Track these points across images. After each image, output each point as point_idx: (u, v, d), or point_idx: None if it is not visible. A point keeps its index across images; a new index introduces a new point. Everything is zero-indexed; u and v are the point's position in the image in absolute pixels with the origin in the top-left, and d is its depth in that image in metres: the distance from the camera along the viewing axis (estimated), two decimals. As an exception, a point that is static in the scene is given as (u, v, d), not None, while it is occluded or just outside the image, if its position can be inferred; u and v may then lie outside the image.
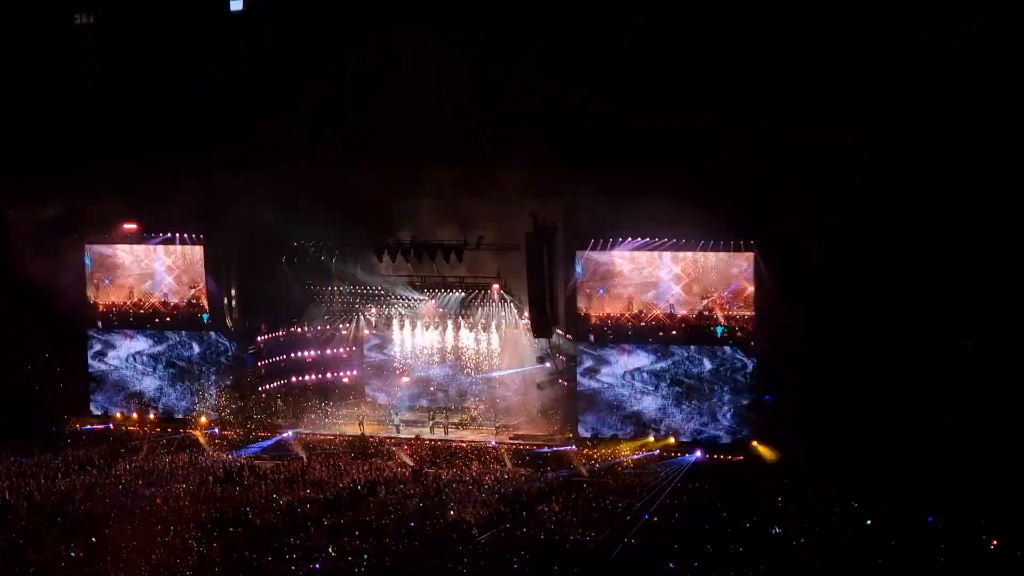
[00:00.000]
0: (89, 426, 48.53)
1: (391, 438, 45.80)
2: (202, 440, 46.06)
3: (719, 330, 42.18)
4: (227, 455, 44.26)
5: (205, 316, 47.77)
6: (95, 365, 49.44)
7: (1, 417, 46.58)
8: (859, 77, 40.86)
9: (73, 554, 32.99)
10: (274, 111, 46.30)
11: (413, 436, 45.71)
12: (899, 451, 37.78)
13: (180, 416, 48.36)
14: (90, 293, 49.05)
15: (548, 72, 42.96)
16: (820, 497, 35.75)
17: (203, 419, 47.82)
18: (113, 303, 49.01)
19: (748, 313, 41.92)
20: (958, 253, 38.84)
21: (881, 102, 40.26)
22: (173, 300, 48.35)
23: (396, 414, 48.02)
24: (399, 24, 44.76)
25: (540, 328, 44.60)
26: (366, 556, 32.72)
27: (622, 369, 43.34)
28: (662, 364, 42.88)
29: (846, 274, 40.03)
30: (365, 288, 48.65)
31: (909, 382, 39.15)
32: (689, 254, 42.47)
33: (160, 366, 48.78)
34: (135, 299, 48.74)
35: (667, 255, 42.73)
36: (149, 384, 48.92)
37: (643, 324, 43.07)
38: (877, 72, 40.76)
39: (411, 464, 42.16)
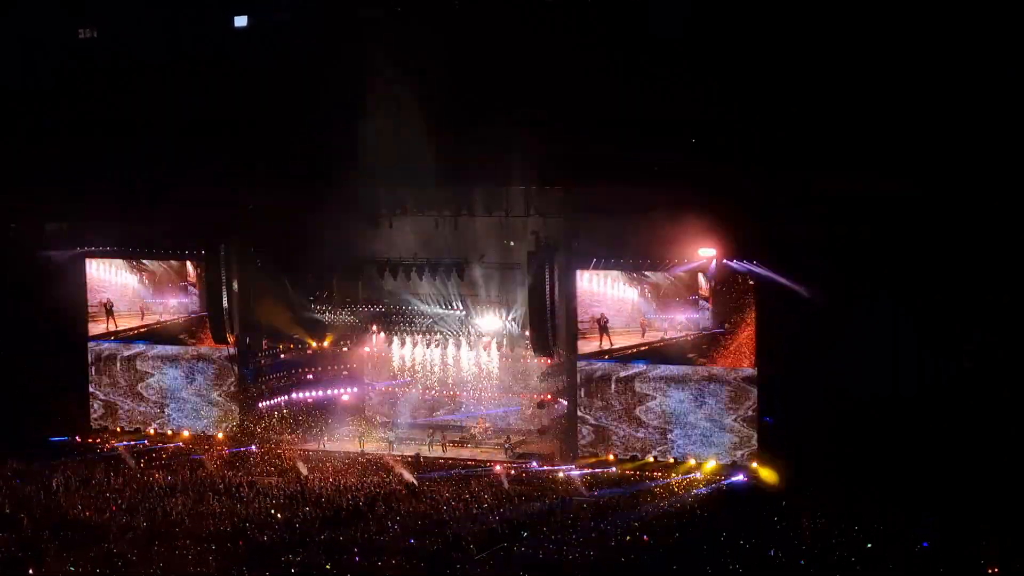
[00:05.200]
0: (90, 440, 48.59)
1: (391, 455, 45.79)
2: (202, 455, 46.01)
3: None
4: (227, 470, 44.18)
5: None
6: (96, 379, 49.53)
7: (1, 430, 46.52)
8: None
9: (73, 568, 33.00)
10: (274, 127, 46.46)
11: (413, 454, 45.69)
12: (901, 473, 37.80)
13: (181, 431, 48.43)
14: (90, 307, 49.15)
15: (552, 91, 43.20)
16: (819, 519, 35.70)
17: (204, 434, 47.89)
18: (114, 317, 49.11)
19: (749, 334, 42.02)
20: (961, 269, 39.12)
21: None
22: (175, 316, 48.53)
23: (396, 431, 48.03)
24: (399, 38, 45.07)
25: (541, 347, 44.63)
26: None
27: (625, 387, 43.40)
28: (664, 383, 42.96)
29: (848, 293, 40.21)
30: (367, 306, 48.69)
31: (912, 403, 39.27)
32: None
33: (162, 381, 48.87)
34: (136, 313, 48.85)
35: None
36: (150, 398, 48.99)
37: (649, 343, 43.19)
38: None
39: (412, 480, 42.01)
